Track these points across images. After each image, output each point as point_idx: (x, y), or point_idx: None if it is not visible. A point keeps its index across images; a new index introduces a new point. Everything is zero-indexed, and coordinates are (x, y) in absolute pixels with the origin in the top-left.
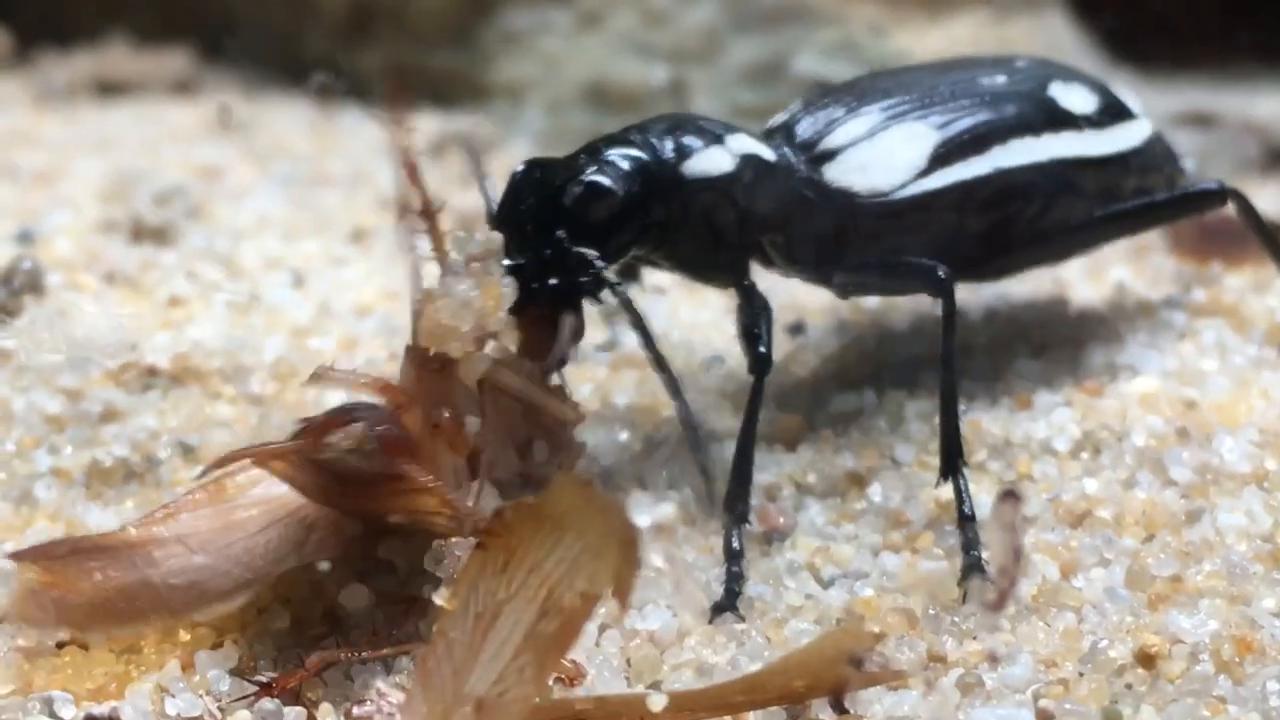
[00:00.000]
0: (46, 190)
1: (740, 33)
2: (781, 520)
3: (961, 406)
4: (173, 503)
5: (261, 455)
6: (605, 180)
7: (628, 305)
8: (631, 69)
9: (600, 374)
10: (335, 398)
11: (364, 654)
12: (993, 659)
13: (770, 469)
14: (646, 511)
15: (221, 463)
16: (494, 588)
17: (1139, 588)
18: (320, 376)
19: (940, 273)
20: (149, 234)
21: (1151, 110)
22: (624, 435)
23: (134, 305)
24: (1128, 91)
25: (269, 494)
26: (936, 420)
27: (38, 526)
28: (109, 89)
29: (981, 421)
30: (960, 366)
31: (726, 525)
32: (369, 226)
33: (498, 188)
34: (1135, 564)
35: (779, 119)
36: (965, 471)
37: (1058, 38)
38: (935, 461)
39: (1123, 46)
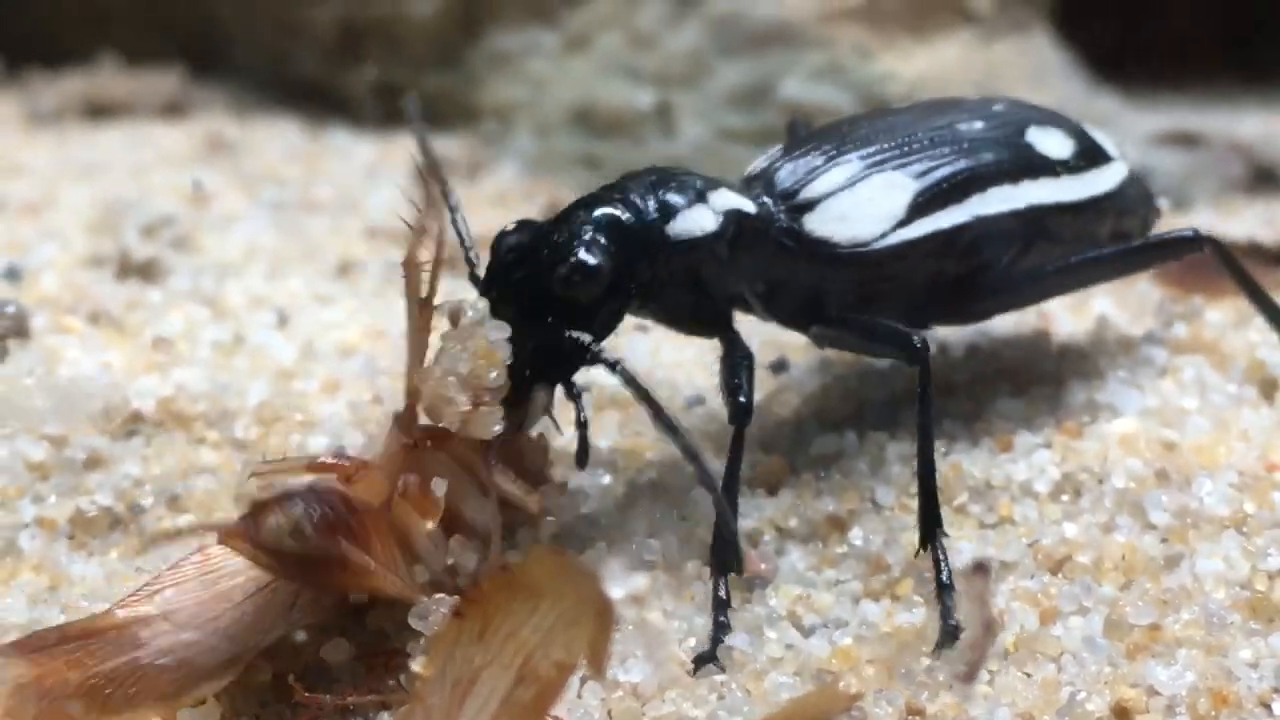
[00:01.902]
0: (34, 221)
1: (726, 56)
2: (764, 566)
3: (942, 448)
4: (157, 577)
5: (220, 536)
6: (592, 259)
7: (631, 382)
8: (618, 92)
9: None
10: (319, 443)
11: (349, 699)
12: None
13: (752, 514)
14: (620, 582)
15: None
16: (471, 654)
17: (1117, 637)
18: (259, 474)
19: (916, 341)
20: (135, 270)
21: (1136, 130)
22: (606, 479)
23: (119, 347)
24: (1103, 134)
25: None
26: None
27: (23, 578)
28: (98, 111)
29: (962, 463)
30: (940, 406)
31: (712, 575)
32: (355, 258)
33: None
34: (1114, 612)
35: (759, 165)
36: (943, 541)
37: (1043, 58)
38: (916, 505)
39: (1108, 67)
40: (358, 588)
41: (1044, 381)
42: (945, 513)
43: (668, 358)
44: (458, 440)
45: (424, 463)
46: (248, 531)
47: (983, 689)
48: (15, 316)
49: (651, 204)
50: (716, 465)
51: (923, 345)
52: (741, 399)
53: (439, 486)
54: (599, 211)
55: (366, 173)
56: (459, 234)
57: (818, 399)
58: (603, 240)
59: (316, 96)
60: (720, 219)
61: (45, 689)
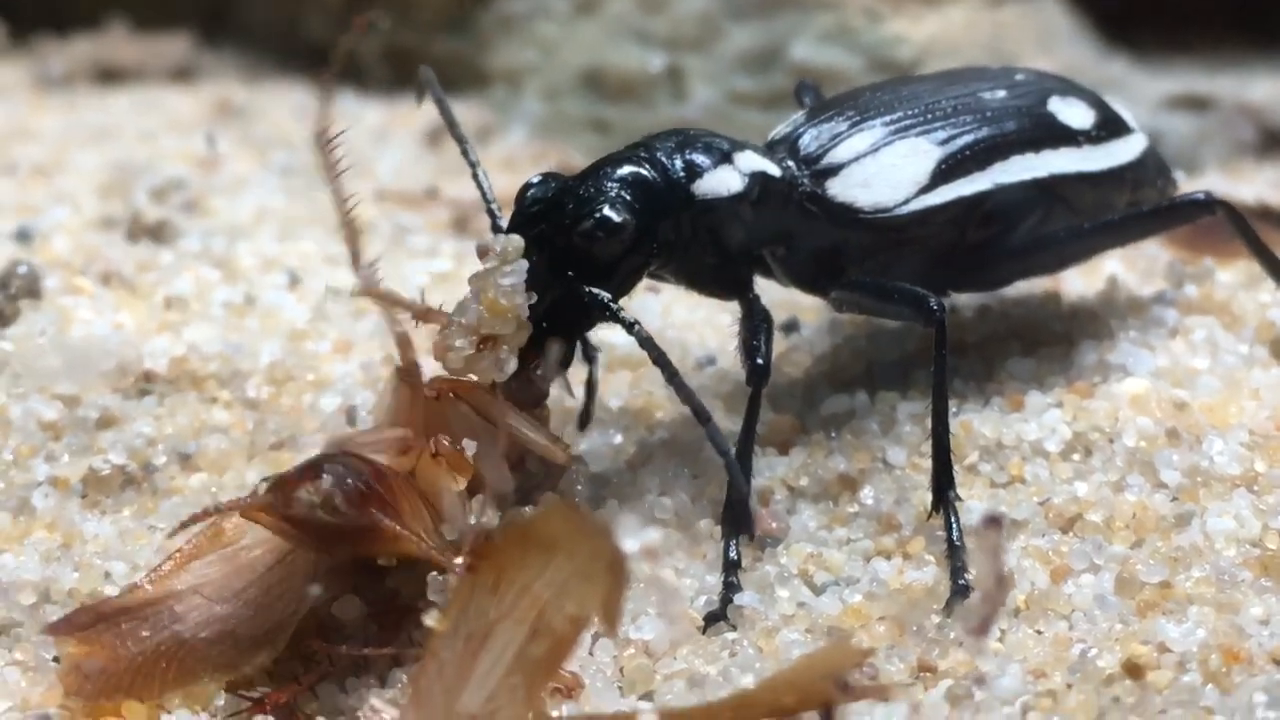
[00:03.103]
0: (45, 184)
1: (736, 19)
2: (775, 525)
3: (953, 407)
4: (178, 552)
5: (242, 510)
6: (616, 215)
7: (647, 343)
8: (628, 56)
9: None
10: (331, 402)
11: (364, 651)
12: (979, 678)
13: (764, 473)
14: (634, 535)
15: (201, 516)
16: (485, 608)
17: (1128, 594)
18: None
19: (932, 303)
20: (146, 231)
21: (1146, 94)
22: (618, 438)
23: (131, 308)
24: (1122, 105)
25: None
26: (928, 422)
27: (36, 536)
28: (108, 76)
29: (973, 423)
30: (952, 364)
31: (724, 535)
32: (365, 220)
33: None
34: (1125, 570)
35: (782, 130)
36: (955, 501)
37: (1052, 22)
38: (927, 464)
39: (1117, 30)
40: (386, 553)
41: (1055, 342)
42: (956, 472)
43: (679, 318)
44: (481, 392)
45: (448, 417)
46: (275, 504)
47: (994, 645)
48: (27, 277)
49: (678, 163)
50: (729, 425)
51: (939, 308)
52: (759, 360)
53: (469, 447)
54: (625, 169)
55: (375, 136)
56: (480, 189)
57: (829, 359)
58: (628, 197)
59: (325, 61)
60: (746, 180)
61: (102, 667)
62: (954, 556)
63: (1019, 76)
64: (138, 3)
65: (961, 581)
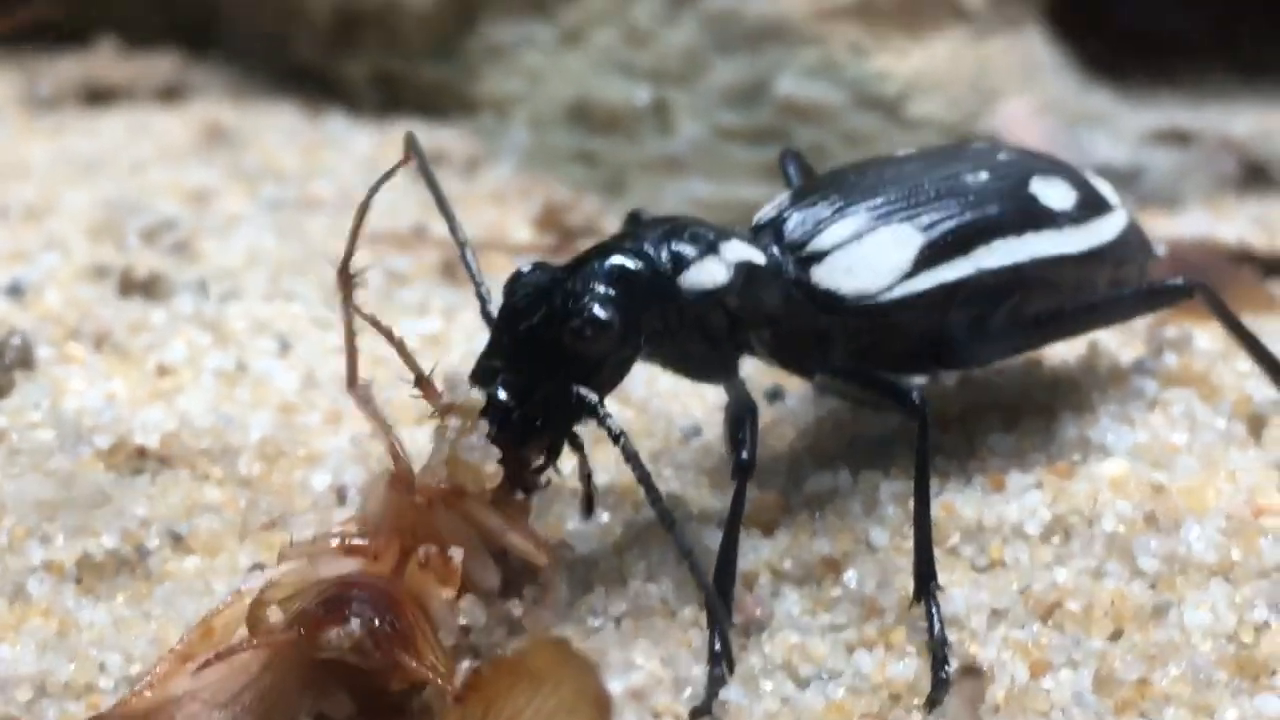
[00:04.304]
0: (35, 227)
1: (722, 53)
2: (759, 611)
3: (935, 486)
4: (169, 654)
5: (259, 645)
6: (604, 313)
7: (632, 459)
8: (614, 88)
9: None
10: (322, 479)
11: None
12: None
13: (748, 555)
14: (620, 676)
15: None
16: None
17: (1106, 693)
18: (284, 555)
19: (915, 397)
20: (138, 287)
21: (1128, 128)
22: (604, 517)
23: (123, 374)
24: (1103, 182)
25: None
26: (910, 503)
27: (32, 624)
28: (97, 96)
29: (955, 503)
30: (935, 440)
31: (710, 627)
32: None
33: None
34: (1103, 666)
35: (767, 213)
36: (937, 591)
37: (1036, 56)
38: (909, 545)
39: (1100, 64)
40: (400, 687)
41: (1036, 414)
42: (938, 555)
43: (663, 386)
44: (469, 499)
45: (436, 526)
46: (301, 645)
47: None
48: (21, 348)
49: (664, 255)
50: (714, 502)
51: (921, 402)
52: (744, 455)
53: (457, 554)
54: (612, 261)
55: (365, 167)
56: (469, 271)
57: (812, 433)
58: (614, 292)
59: (314, 81)
60: (731, 271)
61: None
62: (935, 651)
63: (1001, 156)
64: (123, 17)
65: (942, 675)
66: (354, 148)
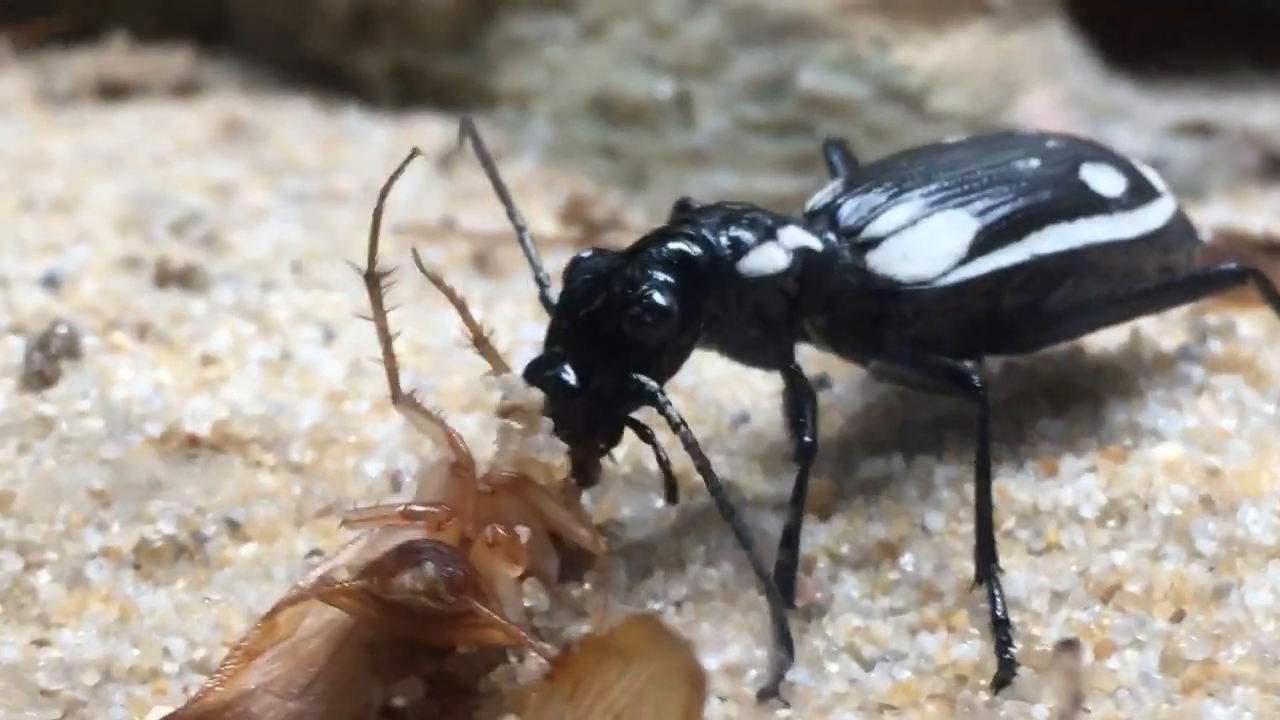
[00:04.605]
0: (65, 219)
1: (745, 46)
2: (819, 595)
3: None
4: (238, 649)
5: (327, 595)
6: (663, 299)
7: (691, 447)
8: (637, 81)
9: (632, 436)
10: (375, 466)
11: None
12: None
13: (805, 540)
14: (714, 653)
15: (290, 602)
16: (560, 712)
17: (1173, 673)
18: (350, 522)
19: (975, 380)
20: (174, 278)
21: (1150, 120)
22: (659, 503)
23: (169, 364)
24: (1151, 170)
25: (321, 620)
26: (965, 487)
27: (92, 609)
28: (111, 91)
29: (1008, 488)
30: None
31: (773, 611)
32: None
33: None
34: (1169, 647)
35: (821, 200)
36: (999, 576)
37: (1057, 49)
38: (965, 529)
39: (1121, 57)
40: (469, 641)
41: (1084, 400)
42: (995, 539)
43: (710, 374)
44: (533, 487)
45: (503, 510)
46: (365, 590)
47: None
48: (67, 338)
49: (724, 239)
50: (767, 488)
51: (982, 385)
52: (806, 438)
53: (524, 534)
54: (671, 247)
55: (385, 159)
56: (529, 257)
57: (861, 419)
58: (674, 279)
59: (330, 76)
60: (791, 256)
61: None
62: (999, 632)
63: (1051, 144)
64: (135, 11)
65: (1007, 657)
66: (372, 141)
